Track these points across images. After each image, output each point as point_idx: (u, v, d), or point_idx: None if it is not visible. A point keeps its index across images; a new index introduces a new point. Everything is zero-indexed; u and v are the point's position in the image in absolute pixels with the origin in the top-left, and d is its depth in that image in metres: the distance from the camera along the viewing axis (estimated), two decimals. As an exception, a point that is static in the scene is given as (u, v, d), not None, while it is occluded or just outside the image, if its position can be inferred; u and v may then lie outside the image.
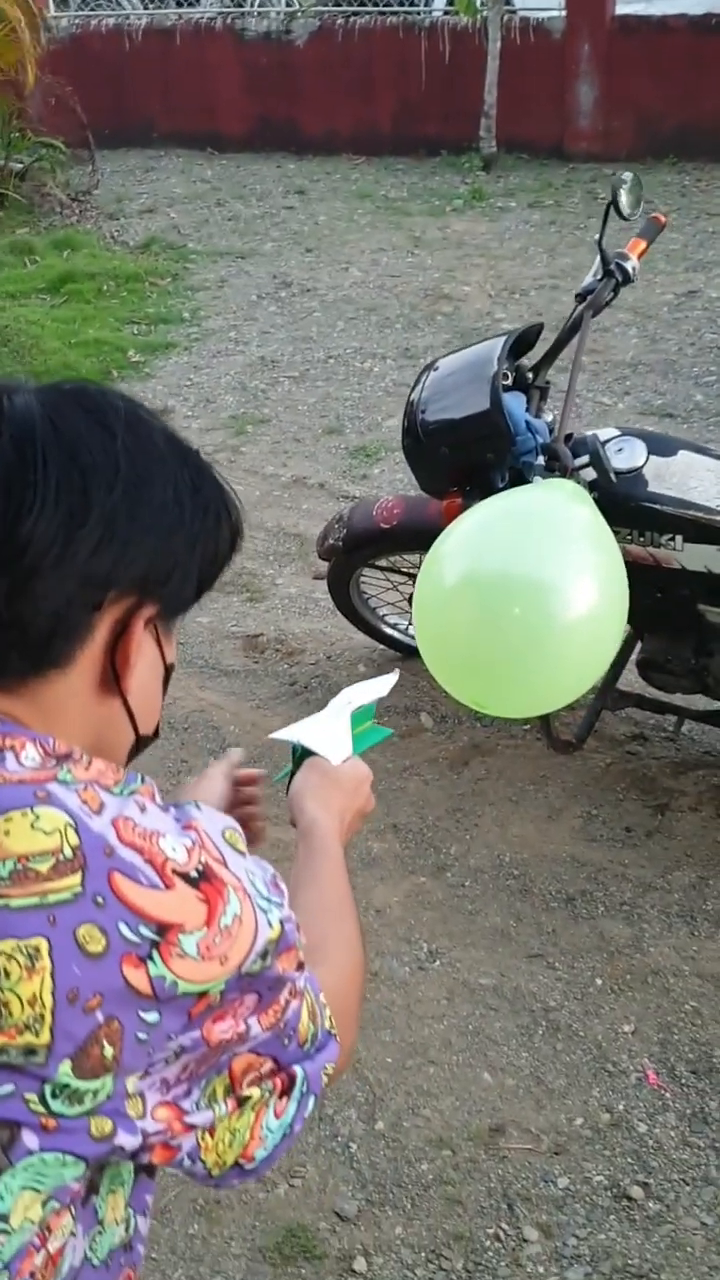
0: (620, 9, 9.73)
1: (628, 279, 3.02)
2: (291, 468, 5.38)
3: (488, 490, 2.97)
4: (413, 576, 3.77)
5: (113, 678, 1.08)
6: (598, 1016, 2.81)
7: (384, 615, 3.93)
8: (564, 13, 9.70)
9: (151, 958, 0.93)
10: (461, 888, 3.16)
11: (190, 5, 11.64)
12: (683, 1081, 2.65)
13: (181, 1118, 1.00)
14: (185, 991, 0.95)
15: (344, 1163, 2.53)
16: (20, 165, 9.62)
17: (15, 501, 0.99)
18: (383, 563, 3.72)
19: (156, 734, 1.18)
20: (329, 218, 9.02)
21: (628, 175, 3.03)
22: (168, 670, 1.17)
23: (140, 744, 1.16)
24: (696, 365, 6.12)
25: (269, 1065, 1.06)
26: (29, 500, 0.99)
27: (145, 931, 0.93)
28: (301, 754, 1.52)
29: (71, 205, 9.48)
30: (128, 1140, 0.95)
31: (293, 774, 1.50)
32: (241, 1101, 1.04)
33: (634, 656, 3.33)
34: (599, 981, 2.89)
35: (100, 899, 0.92)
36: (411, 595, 3.76)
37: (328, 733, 1.54)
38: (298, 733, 1.54)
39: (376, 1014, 2.82)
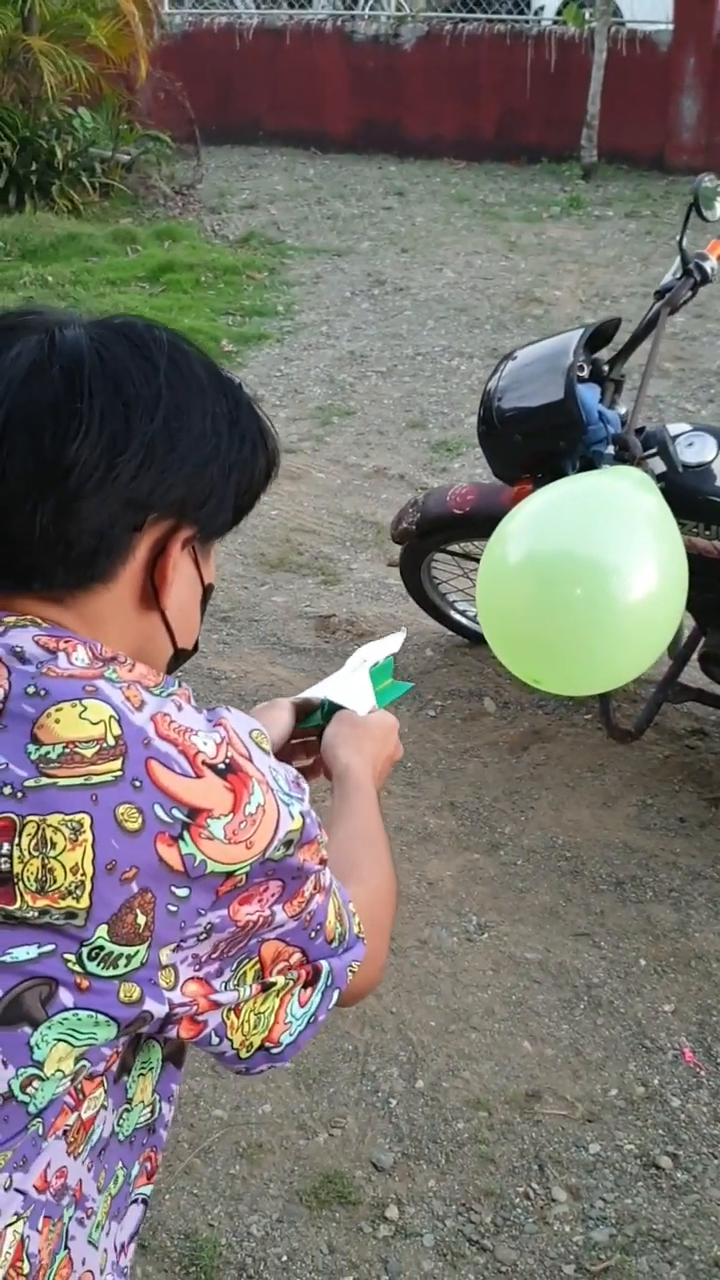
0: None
1: (706, 279, 3.08)
2: (373, 459, 5.48)
3: (558, 478, 3.04)
4: (484, 564, 3.85)
5: (152, 593, 1.16)
6: (639, 995, 2.87)
7: (453, 601, 4.01)
8: (671, 26, 9.72)
9: (183, 837, 1.01)
10: (514, 866, 3.23)
11: (302, 6, 11.79)
12: (718, 1061, 2.70)
13: (209, 994, 1.08)
14: (213, 871, 1.03)
15: (383, 1117, 2.61)
16: (128, 157, 9.82)
17: (62, 427, 1.06)
18: (455, 548, 3.80)
19: (195, 649, 1.26)
20: (426, 219, 9.11)
21: (709, 177, 3.09)
22: (206, 590, 1.25)
23: (179, 656, 1.24)
24: (783, 377, 6.14)
25: (297, 956, 1.15)
26: (75, 427, 1.06)
27: (177, 814, 1.02)
28: (329, 709, 1.59)
29: (175, 198, 9.66)
30: (155, 1008, 1.04)
31: (321, 728, 1.57)
32: (267, 987, 1.13)
33: (698, 650, 3.38)
34: (642, 962, 2.95)
35: (138, 783, 1.01)
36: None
37: (352, 688, 1.62)
38: (325, 689, 1.62)
39: (423, 980, 2.90)
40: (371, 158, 10.88)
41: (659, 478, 2.93)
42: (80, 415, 1.07)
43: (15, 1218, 1.02)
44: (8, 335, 1.11)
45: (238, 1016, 1.12)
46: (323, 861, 1.15)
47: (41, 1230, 1.05)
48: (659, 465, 2.96)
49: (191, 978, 1.06)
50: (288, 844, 1.08)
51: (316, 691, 1.62)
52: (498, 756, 3.62)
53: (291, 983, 1.15)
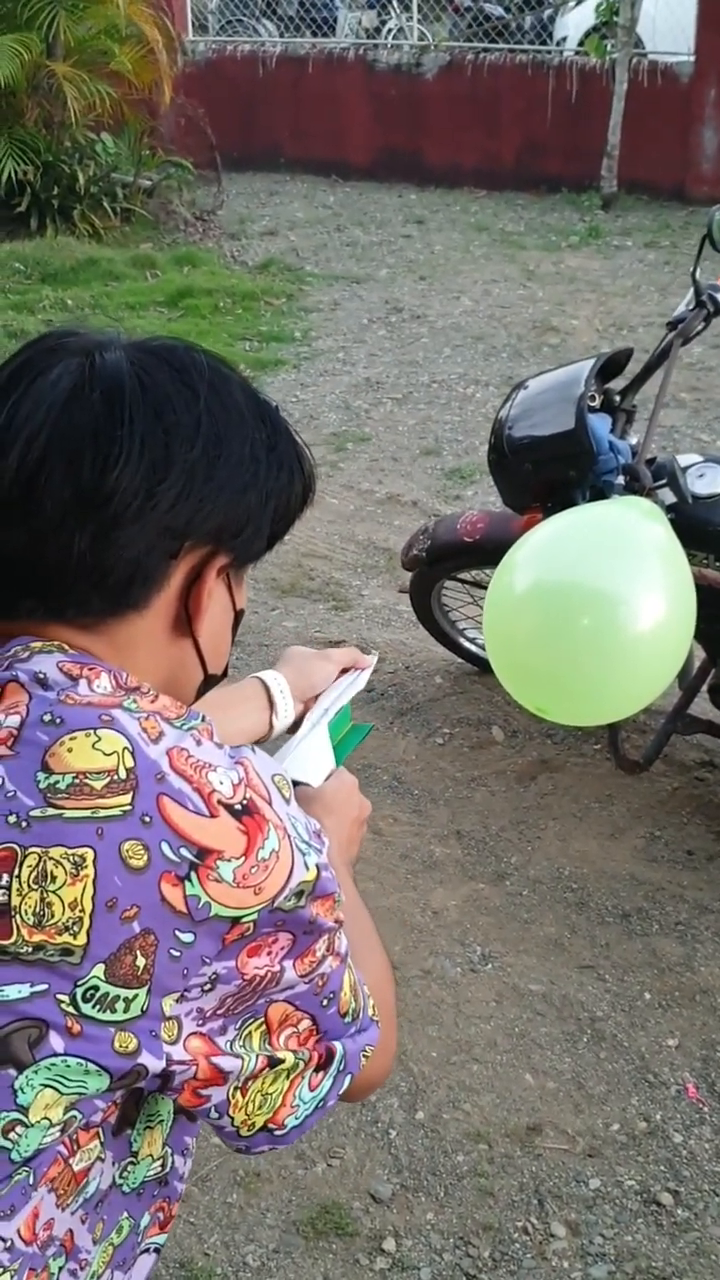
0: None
1: (719, 310, 3.08)
2: (387, 485, 5.49)
3: (568, 507, 3.03)
4: (494, 592, 3.85)
5: (185, 621, 1.14)
6: (643, 1029, 2.85)
7: (463, 629, 4.00)
8: (693, 57, 9.75)
9: (189, 878, 0.98)
10: (519, 896, 3.22)
11: (325, 35, 11.87)
12: (721, 1097, 2.68)
13: (212, 1055, 1.03)
14: (218, 914, 0.99)
15: (382, 1148, 2.59)
16: (149, 182, 9.88)
17: (103, 454, 1.05)
18: (465, 576, 3.80)
19: (224, 674, 1.24)
20: (445, 248, 9.15)
21: (724, 208, 3.09)
22: (238, 615, 1.23)
23: (209, 682, 1.22)
24: None
25: (307, 1024, 1.10)
26: (115, 454, 1.05)
27: (185, 853, 0.98)
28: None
29: (195, 224, 9.72)
30: (151, 1062, 0.99)
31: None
32: (274, 1062, 1.08)
33: (708, 682, 3.37)
34: (647, 996, 2.93)
35: (148, 818, 0.98)
36: (491, 610, 3.84)
37: (307, 755, 1.52)
38: (283, 765, 1.52)
39: (425, 1010, 2.88)
40: (392, 186, 10.93)
41: (669, 508, 2.92)
42: (120, 442, 1.05)
43: (1, 1270, 0.99)
44: (48, 357, 1.10)
45: (243, 1095, 1.08)
46: (338, 922, 1.11)
47: None
48: (669, 496, 2.96)
49: (195, 1033, 1.02)
50: (299, 894, 1.05)
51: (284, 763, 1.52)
52: (505, 785, 3.61)
53: (303, 1064, 1.10)
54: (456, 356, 7.01)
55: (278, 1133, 1.11)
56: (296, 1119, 1.12)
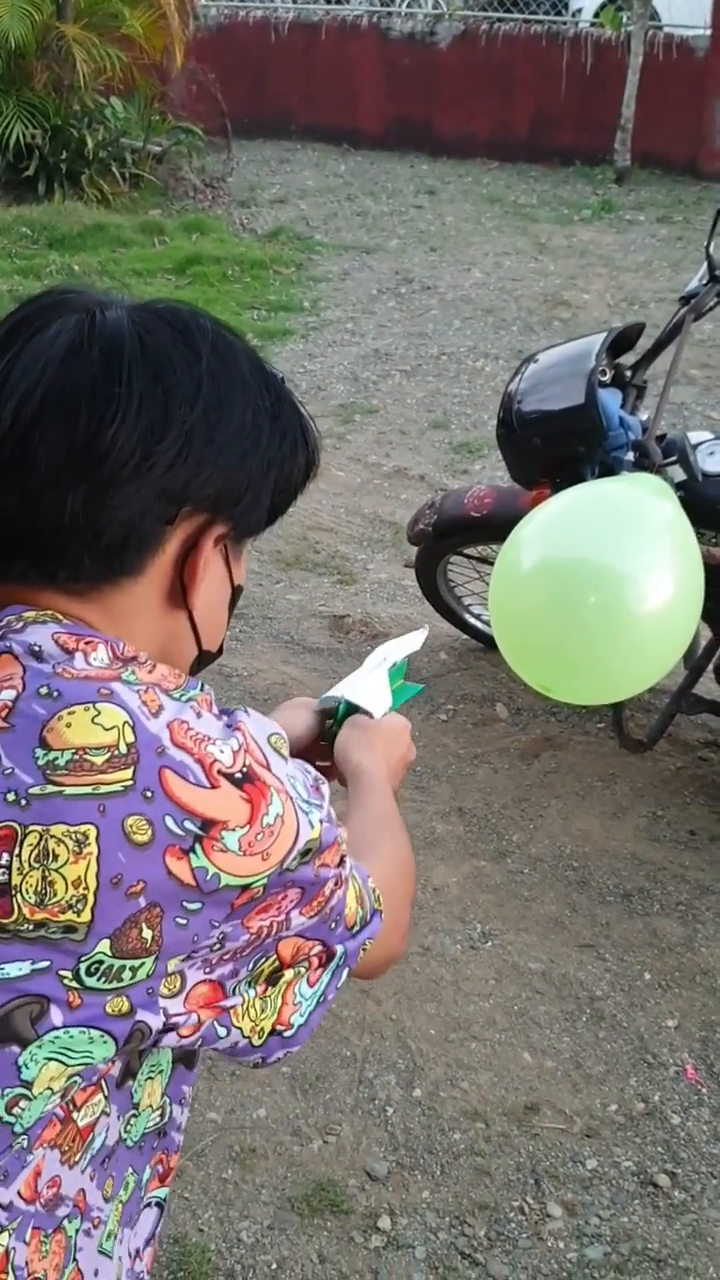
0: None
1: (732, 285, 3.04)
2: (394, 458, 5.45)
3: (577, 482, 3.00)
4: (500, 568, 3.82)
5: (180, 591, 1.12)
6: (642, 1009, 2.83)
7: (468, 604, 3.97)
8: (709, 31, 9.66)
9: (194, 850, 0.97)
10: (520, 874, 3.20)
11: (338, 2, 11.77)
12: (720, 1079, 2.67)
13: (219, 1000, 1.04)
14: (227, 884, 0.98)
15: (379, 1125, 2.58)
16: (158, 148, 9.80)
17: (99, 413, 1.02)
18: (471, 551, 3.77)
19: (220, 651, 1.22)
20: (456, 219, 9.08)
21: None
22: (235, 591, 1.20)
23: (203, 659, 1.20)
24: None
25: (318, 948, 1.11)
26: (112, 412, 1.02)
27: (190, 826, 0.97)
28: (346, 711, 1.57)
29: (204, 190, 9.65)
30: (149, 1018, 0.99)
31: (336, 732, 1.55)
32: (276, 980, 1.09)
33: (714, 662, 3.34)
34: (647, 976, 2.91)
35: (149, 793, 0.96)
36: (497, 585, 3.82)
37: (370, 688, 1.60)
38: (344, 690, 1.59)
39: (424, 987, 2.87)
40: (403, 155, 10.85)
41: (678, 486, 2.89)
42: (117, 400, 1.03)
43: None
44: (47, 313, 1.07)
45: (242, 1005, 1.08)
46: (342, 860, 1.11)
47: (30, 1242, 1.01)
48: (679, 473, 2.93)
49: (202, 980, 1.02)
50: (306, 853, 1.04)
51: (336, 691, 1.60)
52: (508, 763, 3.59)
53: (303, 970, 1.11)
54: (466, 329, 6.96)
55: (286, 1034, 1.11)
56: (301, 1016, 1.11)
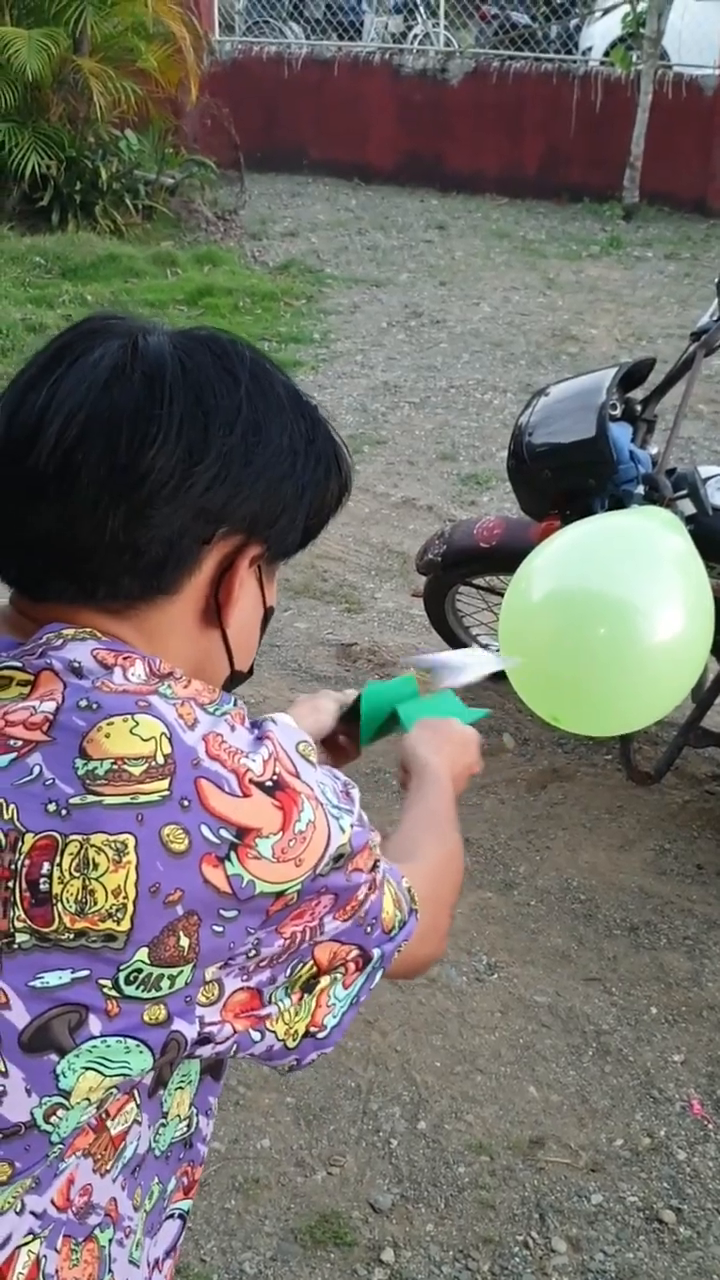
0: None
1: (743, 321, 3.06)
2: (402, 489, 5.47)
3: (586, 515, 3.01)
4: (509, 599, 3.82)
5: (215, 611, 1.14)
6: (649, 1044, 2.82)
7: (476, 635, 3.97)
8: (718, 71, 9.73)
9: (229, 858, 0.99)
10: (527, 906, 3.19)
11: (351, 38, 11.86)
12: (727, 1115, 2.66)
13: (256, 1009, 1.06)
14: (263, 891, 1.00)
15: (383, 1157, 2.56)
16: (172, 180, 9.86)
17: (140, 434, 1.05)
18: (480, 582, 3.78)
19: (251, 671, 1.24)
20: (466, 254, 9.13)
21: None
22: (267, 612, 1.23)
23: (235, 679, 1.22)
24: None
25: (355, 953, 1.13)
26: (153, 433, 1.05)
27: (225, 834, 0.99)
28: (366, 709, 1.59)
29: (217, 223, 9.70)
30: (185, 1028, 1.01)
31: (375, 735, 1.60)
32: (311, 987, 1.11)
33: (721, 696, 3.34)
34: (654, 1010, 2.90)
35: (186, 802, 0.98)
36: (505, 617, 3.82)
37: (463, 663, 1.67)
38: (440, 658, 1.68)
39: (430, 1019, 2.86)
40: (414, 191, 10.91)
41: (688, 520, 2.90)
42: (159, 422, 1.05)
43: (31, 1237, 1.00)
44: (90, 339, 1.10)
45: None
46: (375, 866, 1.13)
47: (61, 1250, 1.02)
48: (689, 507, 2.94)
49: (240, 988, 1.04)
50: (338, 858, 1.06)
51: (429, 659, 1.69)
52: (515, 794, 3.58)
53: (341, 974, 1.13)
54: (475, 362, 6.99)
55: (320, 1035, 1.12)
56: (334, 1017, 1.13)
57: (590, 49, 11.23)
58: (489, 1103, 2.68)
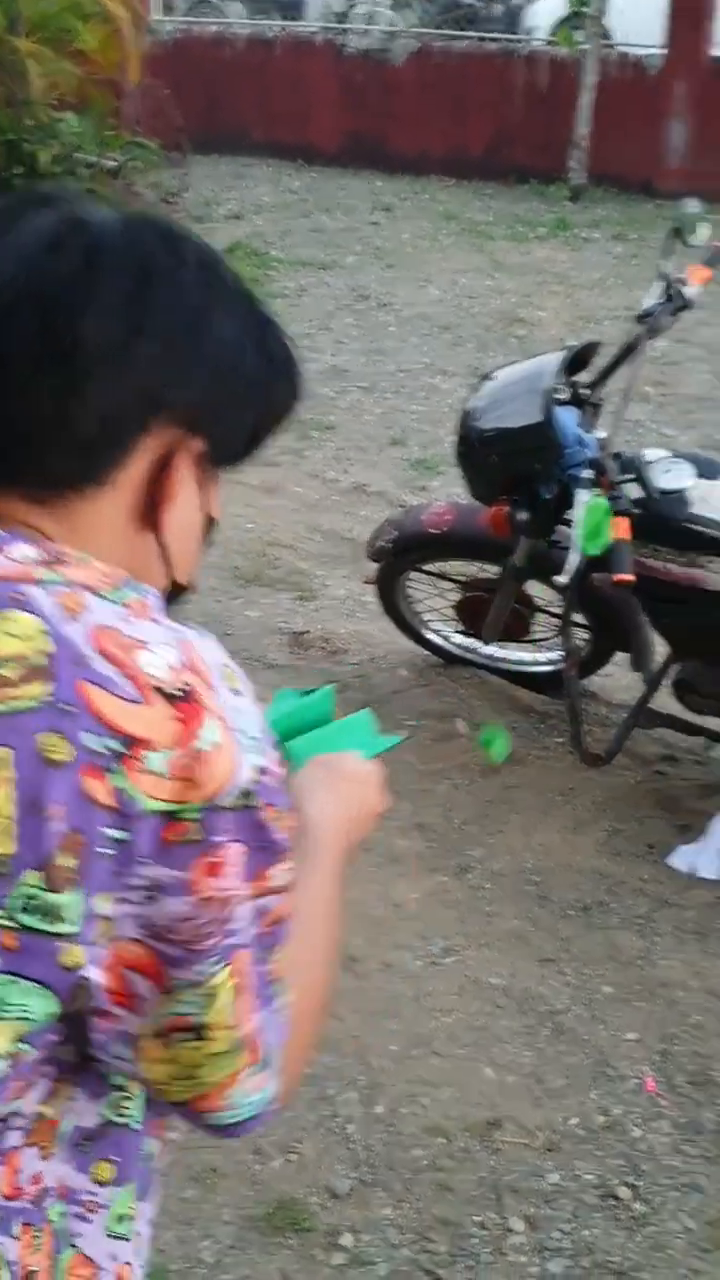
0: (717, 51, 9.79)
1: (686, 304, 3.08)
2: (352, 475, 5.47)
3: (534, 499, 3.03)
4: (459, 584, 3.84)
5: (151, 510, 1.06)
6: (603, 1023, 2.85)
7: (428, 621, 3.99)
8: (663, 50, 9.76)
9: (112, 769, 0.90)
10: (482, 890, 3.21)
11: (293, 18, 11.81)
12: (680, 1091, 2.68)
13: (164, 980, 0.95)
14: (151, 809, 0.91)
15: (340, 1142, 2.58)
16: (113, 163, 9.77)
17: (77, 302, 0.99)
18: (430, 568, 3.79)
19: (191, 587, 1.15)
20: (413, 236, 9.12)
21: (692, 202, 3.09)
22: (209, 521, 1.15)
23: (176, 592, 1.13)
24: (764, 404, 6.16)
25: (253, 980, 0.99)
26: (90, 303, 0.99)
27: (111, 743, 0.90)
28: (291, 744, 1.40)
29: (160, 206, 9.64)
30: (95, 973, 0.92)
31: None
32: (202, 1033, 0.98)
33: (669, 677, 3.37)
34: (607, 989, 2.93)
35: (67, 707, 0.90)
36: (455, 602, 3.84)
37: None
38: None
39: (385, 1004, 2.87)
40: (359, 172, 10.88)
41: (635, 503, 2.92)
42: (98, 292, 1.00)
43: None
44: (31, 206, 1.04)
45: (164, 1048, 0.98)
46: (289, 850, 1.01)
47: (21, 1237, 0.97)
48: (635, 490, 2.95)
49: (136, 939, 0.93)
50: (246, 795, 0.95)
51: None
52: (469, 778, 3.60)
53: (235, 1051, 0.99)
54: (423, 346, 7.00)
55: (211, 1119, 1.03)
56: (232, 1117, 1.03)
57: (535, 29, 11.23)
58: (445, 1085, 2.70)
